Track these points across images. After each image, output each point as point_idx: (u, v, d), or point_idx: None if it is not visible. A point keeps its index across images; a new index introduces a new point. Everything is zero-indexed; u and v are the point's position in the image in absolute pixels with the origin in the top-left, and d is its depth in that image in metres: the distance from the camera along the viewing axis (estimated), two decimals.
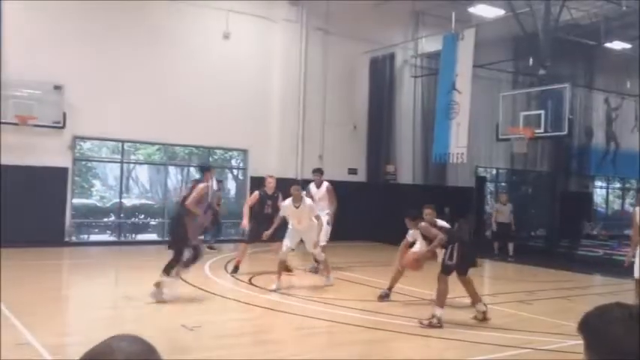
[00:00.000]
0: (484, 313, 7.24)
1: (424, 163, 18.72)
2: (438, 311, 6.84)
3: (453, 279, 7.30)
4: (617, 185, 26.50)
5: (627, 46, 19.59)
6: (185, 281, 9.50)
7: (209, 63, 16.12)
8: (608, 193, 26.09)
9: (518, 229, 16.06)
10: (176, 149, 16.96)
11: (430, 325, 6.72)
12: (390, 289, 8.37)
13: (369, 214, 17.06)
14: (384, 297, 8.33)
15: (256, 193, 10.58)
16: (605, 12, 18.00)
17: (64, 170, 14.22)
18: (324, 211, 10.50)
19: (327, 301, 8.17)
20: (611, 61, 20.61)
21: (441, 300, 6.94)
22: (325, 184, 11.23)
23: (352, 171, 18.46)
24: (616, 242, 18.73)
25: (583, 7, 19.01)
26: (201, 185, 8.11)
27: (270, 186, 10.63)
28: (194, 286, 9.13)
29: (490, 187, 22.06)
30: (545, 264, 13.19)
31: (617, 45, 19.17)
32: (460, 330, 6.82)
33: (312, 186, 11.26)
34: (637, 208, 8.55)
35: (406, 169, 18.81)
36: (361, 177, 18.73)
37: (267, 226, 10.05)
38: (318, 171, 11.61)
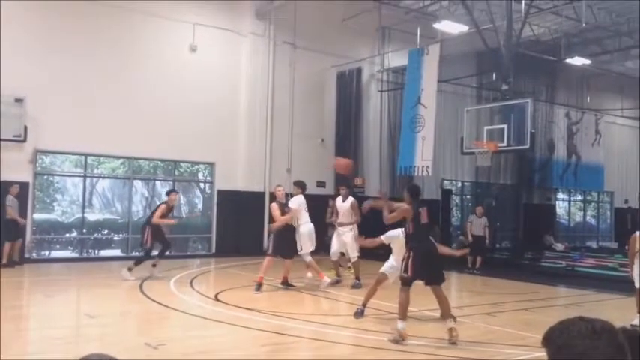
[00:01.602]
0: (450, 330, 6.71)
1: (391, 176, 18.88)
2: (400, 324, 6.69)
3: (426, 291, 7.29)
4: (579, 197, 27.13)
5: (587, 61, 20.20)
6: (149, 298, 9.34)
7: (175, 76, 16.00)
8: (570, 205, 26.67)
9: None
10: (141, 163, 16.72)
11: (394, 340, 6.66)
12: (364, 305, 8.18)
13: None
14: (359, 314, 8.09)
15: (275, 204, 10.58)
16: (565, 28, 18.56)
17: (25, 185, 13.87)
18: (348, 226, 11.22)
19: (295, 317, 8.11)
20: (572, 76, 21.21)
21: (400, 312, 6.71)
22: (351, 198, 11.56)
23: (320, 184, 18.47)
24: (578, 254, 19.14)
25: (544, 23, 19.60)
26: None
27: (280, 195, 10.82)
28: (158, 302, 8.97)
29: (456, 199, 22.35)
30: (510, 276, 13.38)
31: (577, 60, 19.74)
32: (426, 343, 6.83)
33: (339, 200, 11.69)
34: (638, 233, 8.56)
35: (374, 182, 18.93)
36: (329, 190, 18.75)
37: (290, 235, 10.31)
38: (346, 185, 12.12)
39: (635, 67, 23.27)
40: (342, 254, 11.53)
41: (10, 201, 12.89)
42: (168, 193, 12.17)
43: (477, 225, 15.03)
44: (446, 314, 6.90)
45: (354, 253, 11.14)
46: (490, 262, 15.38)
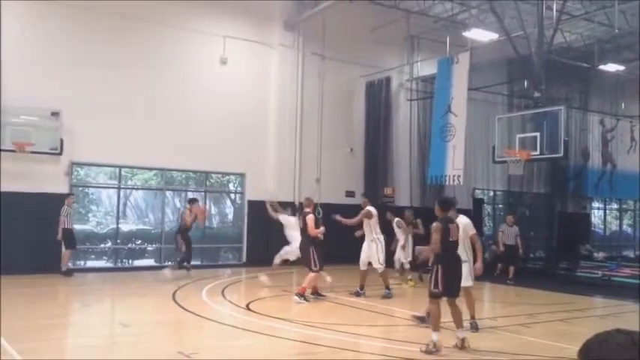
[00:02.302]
0: (462, 340, 6.82)
1: (421, 186, 18.76)
2: (434, 336, 6.67)
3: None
4: (615, 206, 26.50)
5: (621, 67, 19.80)
6: (182, 307, 9.44)
7: (206, 88, 16.23)
8: (605, 214, 26.07)
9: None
10: (173, 174, 16.97)
11: (427, 351, 6.61)
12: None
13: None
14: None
15: (312, 215, 10.69)
16: (598, 35, 18.25)
17: (61, 196, 14.18)
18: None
19: (327, 327, 8.10)
20: (605, 83, 20.80)
21: (434, 324, 6.74)
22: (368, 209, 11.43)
23: (350, 194, 18.45)
24: (614, 263, 18.68)
25: (576, 29, 19.29)
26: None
27: (312, 207, 11.04)
28: (191, 312, 9.06)
29: (488, 208, 22.05)
30: (545, 286, 13.13)
31: (610, 67, 19.37)
32: (460, 356, 6.75)
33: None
34: None
35: (403, 192, 18.82)
36: (359, 199, 18.67)
37: (323, 245, 10.62)
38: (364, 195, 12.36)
39: None
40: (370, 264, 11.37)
41: (65, 211, 13.36)
42: (190, 201, 13.81)
43: (509, 234, 14.84)
44: (459, 324, 6.97)
45: (376, 264, 11.06)
46: (524, 272, 15.13)
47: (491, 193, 21.65)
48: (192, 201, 13.83)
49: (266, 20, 17.25)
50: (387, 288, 11.02)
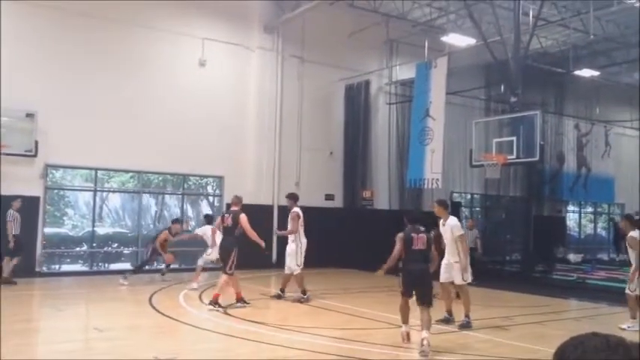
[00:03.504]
0: (422, 340, 6.89)
1: (400, 189, 18.84)
2: (403, 327, 7.43)
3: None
4: (590, 209, 26.91)
5: (595, 73, 20.14)
6: (158, 311, 9.35)
7: (185, 90, 16.11)
8: (580, 217, 26.47)
9: (492, 254, 16.14)
10: (150, 177, 16.81)
11: (423, 351, 6.73)
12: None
13: (347, 240, 17.03)
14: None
15: (244, 214, 10.06)
16: (574, 40, 18.54)
17: (36, 199, 13.96)
18: None
19: (302, 330, 8.08)
20: (581, 88, 21.14)
21: (400, 317, 7.45)
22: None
23: (329, 197, 18.48)
24: (589, 266, 18.96)
25: (552, 35, 19.59)
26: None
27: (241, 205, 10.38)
28: (168, 316, 8.97)
29: (465, 212, 22.24)
30: (520, 289, 13.26)
31: (585, 72, 19.69)
32: (439, 357, 6.78)
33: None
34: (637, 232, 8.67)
35: (382, 195, 18.90)
36: (338, 203, 18.75)
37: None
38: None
39: None
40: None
41: (11, 216, 12.35)
42: (173, 222, 13.62)
43: (469, 238, 15.00)
44: (422, 326, 7.06)
45: (293, 266, 10.65)
46: (500, 275, 15.27)
47: (469, 197, 21.84)
48: (175, 221, 13.72)
49: (245, 23, 17.20)
50: (303, 293, 10.63)
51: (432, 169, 14.98)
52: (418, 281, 7.22)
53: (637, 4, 14.94)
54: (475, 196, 21.80)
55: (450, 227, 8.54)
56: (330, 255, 16.14)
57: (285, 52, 17.72)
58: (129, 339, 7.70)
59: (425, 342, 6.79)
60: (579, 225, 26.43)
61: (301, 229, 10.75)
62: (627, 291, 8.99)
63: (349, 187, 18.76)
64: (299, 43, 17.71)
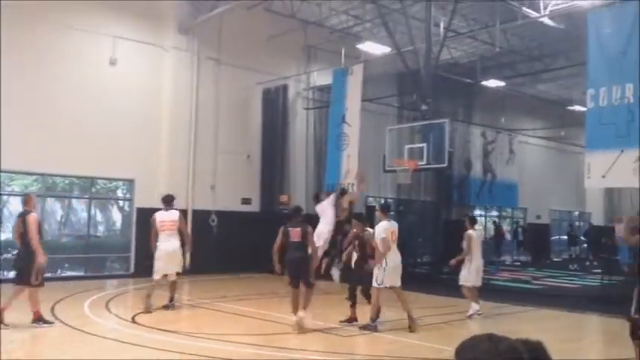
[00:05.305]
0: (296, 322, 8.33)
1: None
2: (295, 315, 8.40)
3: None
4: (495, 213, 28.28)
5: (501, 84, 21.24)
6: (61, 321, 8.89)
7: (94, 89, 15.45)
8: (486, 221, 27.75)
9: (405, 256, 16.49)
10: (56, 179, 15.97)
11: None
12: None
13: (263, 244, 16.88)
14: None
15: (34, 215, 8.61)
16: (481, 52, 19.46)
17: None
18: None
19: (213, 337, 7.95)
20: (487, 97, 22.21)
21: (292, 307, 8.61)
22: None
23: (246, 201, 18.32)
24: (494, 267, 19.91)
25: (461, 47, 20.47)
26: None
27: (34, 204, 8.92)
28: (71, 326, 8.56)
29: None
30: (430, 290, 13.70)
31: (492, 83, 20.70)
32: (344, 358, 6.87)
33: None
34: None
35: (299, 199, 18.94)
36: (255, 207, 18.62)
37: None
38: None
39: (545, 89, 24.72)
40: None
41: None
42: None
43: None
44: (302, 305, 8.47)
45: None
46: (411, 277, 15.66)
47: (382, 201, 22.34)
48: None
49: (158, 22, 16.75)
50: (171, 299, 10.37)
51: (348, 174, 15.22)
52: (298, 266, 8.55)
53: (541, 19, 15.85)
54: (389, 200, 22.33)
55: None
56: (245, 259, 16.04)
57: (201, 54, 17.41)
58: (29, 350, 7.27)
59: (300, 323, 8.12)
60: (484, 228, 27.67)
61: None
62: (461, 283, 10.35)
63: (266, 191, 18.69)
64: (215, 45, 17.47)
